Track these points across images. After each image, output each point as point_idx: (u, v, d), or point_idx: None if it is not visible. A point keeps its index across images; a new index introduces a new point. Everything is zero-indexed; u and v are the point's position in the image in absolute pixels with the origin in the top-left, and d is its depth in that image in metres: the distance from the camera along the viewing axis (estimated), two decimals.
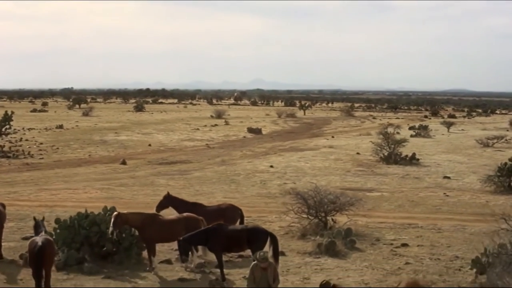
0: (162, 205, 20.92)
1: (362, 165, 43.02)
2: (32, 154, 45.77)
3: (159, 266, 18.81)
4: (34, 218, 17.49)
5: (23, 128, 65.07)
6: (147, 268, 18.62)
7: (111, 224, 18.20)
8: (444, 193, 32.60)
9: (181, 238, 17.01)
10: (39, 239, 15.67)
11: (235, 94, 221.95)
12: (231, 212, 20.64)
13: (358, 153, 49.96)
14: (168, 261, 19.50)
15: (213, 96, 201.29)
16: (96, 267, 18.28)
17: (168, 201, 21.07)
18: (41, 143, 52.92)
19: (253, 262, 14.17)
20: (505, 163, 34.10)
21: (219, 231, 17.34)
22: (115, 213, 18.52)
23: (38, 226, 16.80)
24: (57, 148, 50.06)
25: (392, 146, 46.18)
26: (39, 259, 15.33)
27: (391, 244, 22.01)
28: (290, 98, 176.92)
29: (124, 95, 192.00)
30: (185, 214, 19.22)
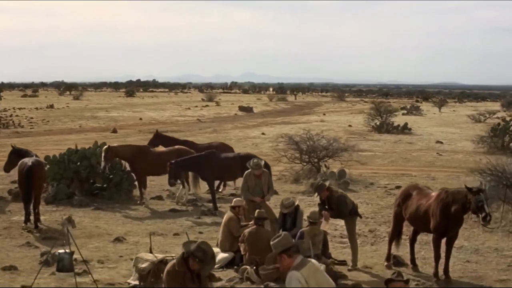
0: (152, 143, 20.65)
1: (354, 134, 42.83)
2: (23, 125, 45.54)
3: (150, 201, 18.58)
4: (12, 145, 17.20)
5: (13, 108, 64.55)
6: (138, 202, 18.40)
7: (102, 158, 17.96)
8: (437, 153, 32.55)
9: (173, 161, 16.74)
10: (28, 160, 15.38)
11: (228, 84, 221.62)
12: (223, 149, 20.39)
13: (350, 126, 49.77)
14: (159, 197, 19.30)
15: (205, 87, 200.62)
16: (86, 200, 18.05)
17: (158, 138, 20.82)
18: (32, 118, 52.58)
19: (247, 171, 13.92)
20: (498, 124, 34.03)
21: (211, 158, 17.07)
22: (105, 146, 18.29)
23: (22, 152, 16.46)
24: (48, 121, 49.74)
25: (384, 115, 45.99)
26: (28, 180, 15.03)
27: (385, 187, 21.90)
28: (281, 88, 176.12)
29: (115, 85, 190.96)
30: (176, 146, 18.99)
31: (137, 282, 11.03)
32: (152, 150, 18.72)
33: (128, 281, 11.20)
